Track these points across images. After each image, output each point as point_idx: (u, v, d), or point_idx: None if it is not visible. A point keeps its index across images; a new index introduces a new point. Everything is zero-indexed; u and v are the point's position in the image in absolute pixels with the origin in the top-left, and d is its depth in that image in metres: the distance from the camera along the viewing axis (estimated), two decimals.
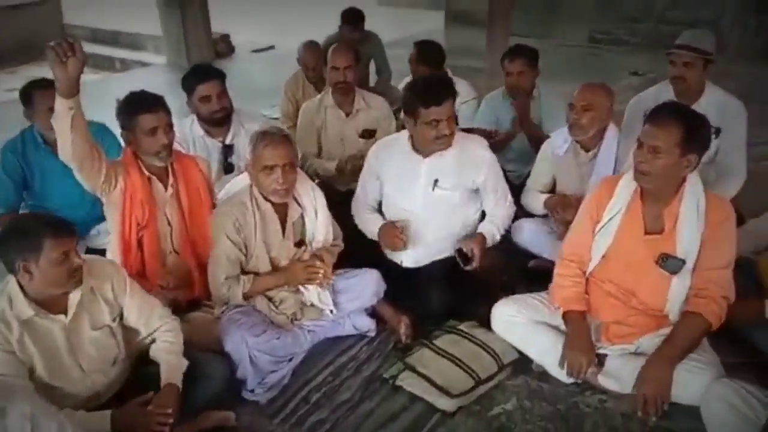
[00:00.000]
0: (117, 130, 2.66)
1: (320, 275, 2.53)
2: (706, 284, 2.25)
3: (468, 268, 2.69)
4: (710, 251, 2.24)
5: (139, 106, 2.46)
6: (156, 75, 7.41)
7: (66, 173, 3.01)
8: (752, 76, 6.22)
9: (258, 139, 2.43)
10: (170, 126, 2.50)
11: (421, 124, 2.60)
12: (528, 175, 3.28)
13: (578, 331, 2.36)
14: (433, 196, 2.74)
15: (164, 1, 7.32)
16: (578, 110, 2.83)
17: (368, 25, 5.11)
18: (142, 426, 2.00)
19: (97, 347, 2.12)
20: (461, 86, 3.85)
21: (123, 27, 9.33)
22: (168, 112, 2.51)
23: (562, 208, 2.91)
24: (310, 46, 4.26)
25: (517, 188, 3.24)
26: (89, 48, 9.07)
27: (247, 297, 2.53)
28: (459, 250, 2.71)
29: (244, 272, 2.56)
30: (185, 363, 2.21)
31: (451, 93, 2.59)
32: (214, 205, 2.69)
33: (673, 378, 2.18)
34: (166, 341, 2.23)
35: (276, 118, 5.32)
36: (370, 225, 2.87)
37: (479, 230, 2.80)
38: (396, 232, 2.74)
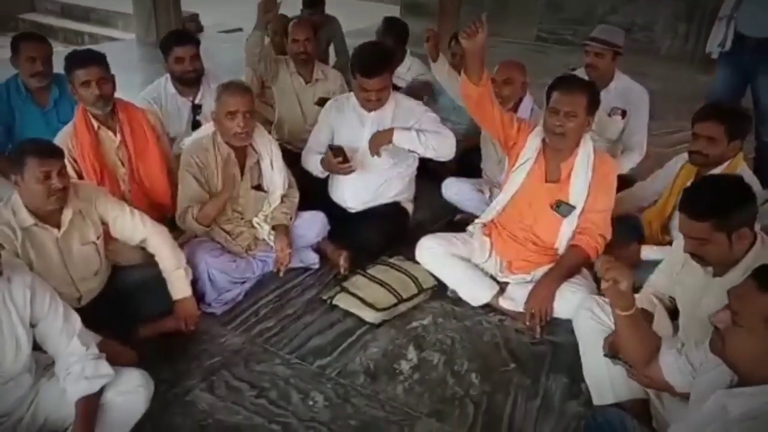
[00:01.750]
0: None
1: (284, 264, 2.96)
2: (588, 224, 2.76)
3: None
4: (594, 198, 2.75)
5: (74, 61, 2.83)
6: (125, 50, 7.64)
7: (44, 120, 3.40)
8: (678, 77, 6.85)
9: (222, 89, 2.83)
10: (104, 79, 2.83)
11: (356, 87, 3.08)
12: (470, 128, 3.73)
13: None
14: None
15: None
16: (499, 84, 3.31)
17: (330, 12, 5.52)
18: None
19: (84, 259, 2.50)
20: (415, 64, 4.51)
21: (93, 3, 9.54)
22: (102, 67, 2.84)
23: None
24: (280, 16, 4.67)
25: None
26: (60, 23, 9.41)
27: (205, 225, 2.85)
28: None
29: (224, 230, 2.94)
30: (188, 271, 2.65)
31: (382, 70, 2.97)
32: (162, 151, 3.05)
33: (555, 296, 2.69)
34: (164, 259, 2.62)
35: None
36: (317, 163, 3.24)
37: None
38: (338, 157, 3.07)
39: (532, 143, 2.83)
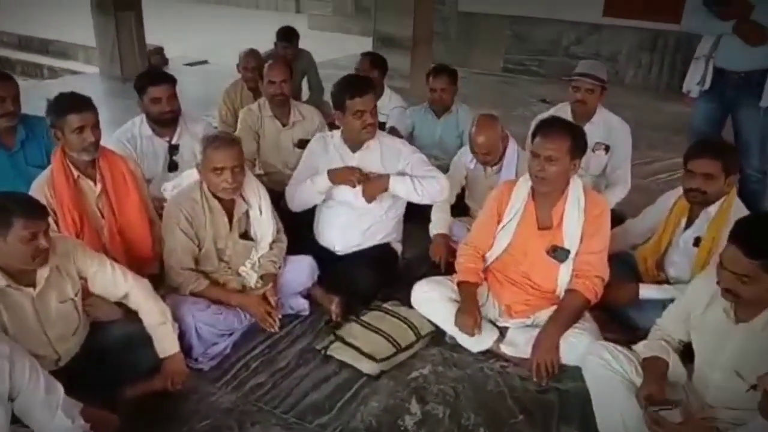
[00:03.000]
0: None
1: (271, 322, 2.85)
2: (584, 266, 2.71)
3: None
4: (588, 239, 2.69)
5: (66, 106, 2.68)
6: (88, 84, 7.45)
7: (10, 163, 3.20)
8: (645, 106, 6.98)
9: (208, 143, 2.70)
10: (96, 124, 2.71)
11: (348, 116, 2.96)
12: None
13: (467, 297, 2.76)
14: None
15: (99, 12, 7.42)
16: (482, 152, 3.30)
17: (303, 46, 5.46)
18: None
19: (62, 318, 2.33)
20: (393, 96, 4.53)
21: (53, 35, 9.30)
22: (94, 112, 2.72)
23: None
24: (251, 51, 4.63)
25: None
26: (17, 55, 9.15)
27: (193, 294, 2.76)
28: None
29: (205, 275, 2.82)
30: (175, 326, 2.50)
31: (372, 88, 2.95)
32: (143, 201, 2.91)
33: (559, 344, 2.61)
34: (148, 314, 2.47)
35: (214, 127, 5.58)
36: (308, 187, 3.11)
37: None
38: (352, 170, 3.01)
39: (519, 195, 2.79)
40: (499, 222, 2.84)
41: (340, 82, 3.04)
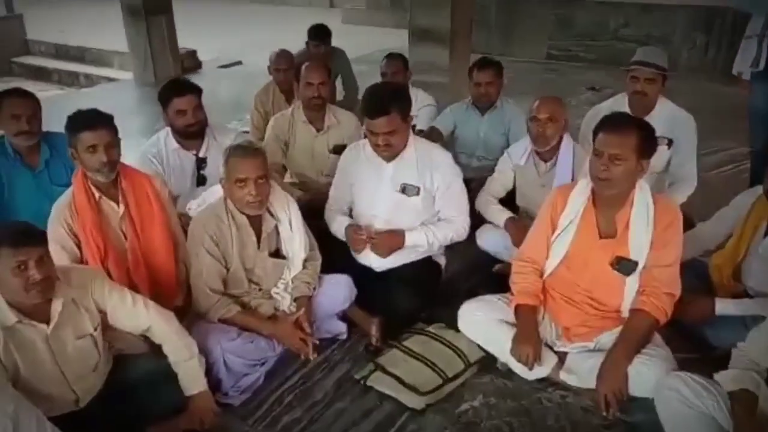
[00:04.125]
0: None
1: (306, 350, 2.61)
2: (651, 282, 2.40)
3: None
4: (657, 251, 2.38)
5: (80, 123, 2.50)
6: (123, 91, 7.41)
7: (35, 183, 3.07)
8: (702, 91, 6.52)
9: (230, 153, 2.50)
10: (112, 144, 2.51)
11: (366, 131, 2.76)
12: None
13: (526, 323, 2.50)
14: (399, 200, 2.84)
15: (130, 17, 7.33)
16: (542, 122, 2.98)
17: (336, 42, 5.22)
18: None
19: (80, 355, 2.16)
20: (419, 94, 4.21)
21: (88, 43, 9.30)
22: (111, 131, 2.53)
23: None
24: (282, 52, 4.41)
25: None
26: (54, 64, 9.18)
27: (222, 321, 2.57)
28: None
29: (235, 300, 2.63)
30: (202, 361, 2.32)
31: (388, 108, 2.64)
32: (169, 223, 2.72)
33: (628, 373, 2.31)
34: (172, 349, 2.29)
35: (244, 131, 5.41)
36: (340, 228, 2.95)
37: (406, 230, 2.85)
38: (357, 231, 2.86)
39: (577, 199, 2.50)
40: (553, 231, 2.56)
41: (366, 92, 2.83)
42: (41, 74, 9.31)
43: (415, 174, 2.82)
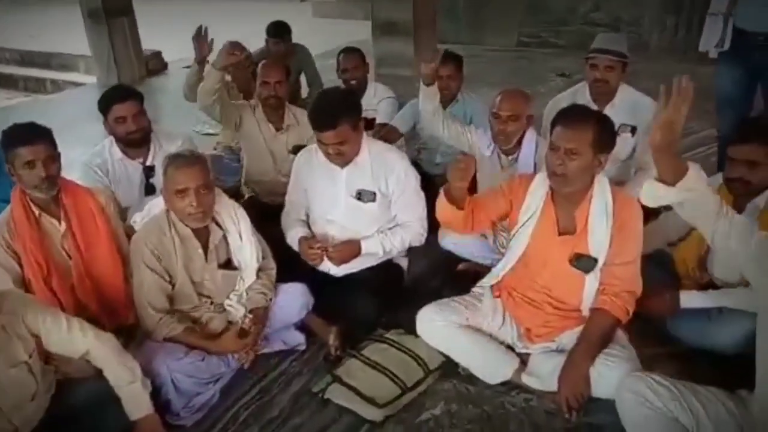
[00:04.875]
0: None
1: (249, 356, 2.54)
2: (611, 279, 2.32)
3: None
4: (617, 248, 2.30)
5: (16, 138, 2.40)
6: (87, 95, 7.21)
7: None
8: (673, 72, 6.36)
9: (169, 162, 2.39)
10: (51, 159, 2.41)
11: (316, 140, 2.66)
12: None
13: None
14: (355, 206, 2.75)
15: (91, 20, 7.14)
16: (503, 119, 2.88)
17: (304, 37, 5.09)
18: None
19: (14, 385, 2.04)
20: (378, 87, 4.15)
21: (56, 48, 9.10)
22: (49, 145, 2.43)
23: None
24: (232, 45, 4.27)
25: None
26: (20, 71, 8.97)
27: (168, 339, 2.46)
28: None
29: (183, 316, 2.54)
30: (146, 383, 2.20)
31: (334, 123, 2.53)
32: (114, 240, 2.62)
33: (590, 375, 2.24)
34: (113, 373, 2.18)
35: (207, 134, 5.30)
36: (294, 240, 2.85)
37: (362, 240, 2.76)
38: (311, 244, 2.76)
39: (536, 194, 2.41)
40: (512, 225, 2.47)
41: (312, 102, 2.77)
42: (7, 82, 9.10)
43: (369, 179, 2.72)
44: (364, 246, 2.73)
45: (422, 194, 2.81)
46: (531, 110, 2.96)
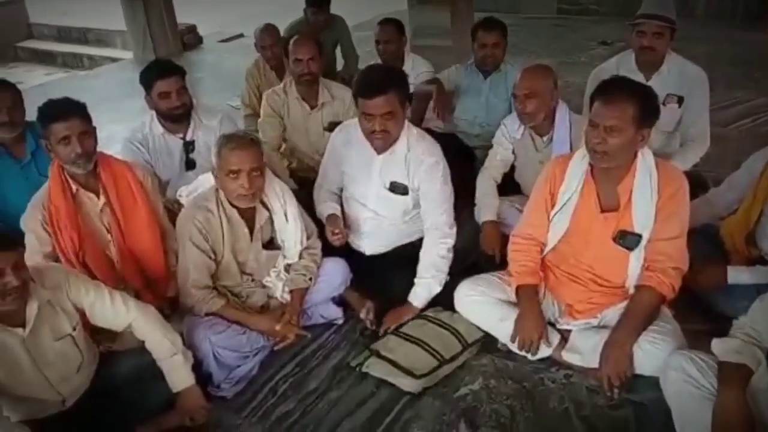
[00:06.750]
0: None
1: (289, 339, 2.54)
2: (656, 256, 2.25)
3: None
4: (662, 223, 2.23)
5: (50, 114, 2.41)
6: (123, 71, 7.32)
7: (23, 175, 3.00)
8: (721, 38, 6.22)
9: (223, 143, 2.38)
10: (86, 134, 2.42)
11: (360, 115, 2.57)
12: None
13: (528, 306, 2.38)
14: (386, 197, 2.71)
15: None
16: (521, 99, 2.80)
17: (338, 8, 5.02)
18: None
19: (61, 357, 2.10)
20: (416, 60, 4.03)
21: (90, 23, 9.19)
22: (84, 120, 2.44)
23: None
24: (266, 27, 4.26)
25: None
26: (58, 47, 9.11)
27: (210, 313, 2.48)
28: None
29: (225, 291, 2.56)
30: (188, 355, 2.25)
31: (384, 89, 2.45)
32: (154, 213, 2.64)
33: (633, 352, 2.19)
34: (155, 345, 2.21)
35: (235, 107, 5.31)
36: (323, 214, 2.83)
37: (409, 298, 2.66)
38: (333, 229, 2.72)
39: (575, 172, 2.34)
40: (553, 205, 2.41)
41: (360, 73, 2.67)
42: (46, 58, 9.26)
43: (403, 171, 2.65)
44: (417, 303, 2.65)
45: (450, 189, 2.71)
46: (552, 85, 2.84)
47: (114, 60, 8.19)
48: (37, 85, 7.39)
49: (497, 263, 2.76)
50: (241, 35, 8.16)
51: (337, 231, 2.71)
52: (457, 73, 3.77)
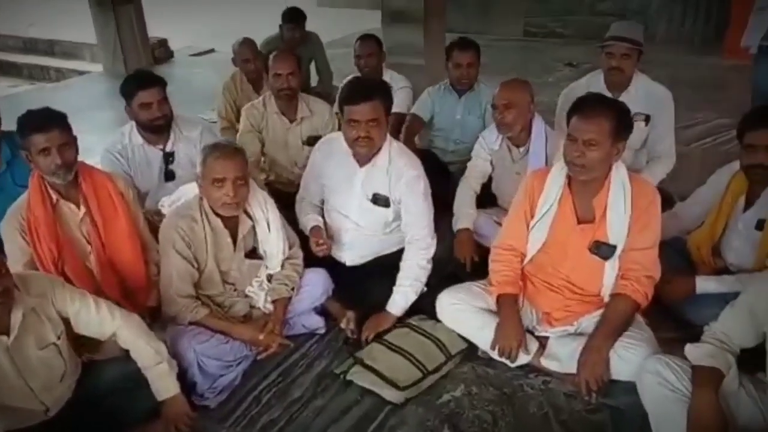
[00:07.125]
0: None
1: (267, 352, 2.58)
2: (631, 265, 2.35)
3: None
4: (636, 234, 2.33)
5: (30, 125, 2.40)
6: (92, 83, 7.24)
7: (5, 195, 2.94)
8: (680, 62, 6.47)
9: (209, 152, 2.41)
10: (66, 145, 2.42)
11: (345, 122, 2.61)
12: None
13: (508, 315, 2.44)
14: (369, 208, 2.75)
15: (97, 7, 7.11)
16: (500, 109, 2.90)
17: (309, 26, 5.10)
18: None
19: (44, 366, 2.08)
20: (393, 75, 4.14)
21: (58, 36, 9.05)
22: (64, 131, 2.43)
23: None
24: (245, 41, 4.30)
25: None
26: (23, 59, 8.94)
27: (193, 323, 2.49)
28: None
29: (207, 300, 2.56)
30: (173, 364, 2.25)
31: (371, 97, 2.51)
32: (134, 224, 2.64)
33: (609, 358, 2.27)
34: (140, 354, 2.21)
35: (215, 122, 5.30)
36: (306, 226, 2.87)
37: (387, 307, 2.69)
38: (318, 240, 2.75)
39: (553, 184, 2.43)
40: (532, 217, 2.50)
41: (347, 83, 2.74)
42: (11, 70, 9.06)
43: (385, 183, 2.69)
44: (395, 311, 2.70)
45: (430, 201, 2.74)
46: (529, 98, 2.94)
47: (81, 73, 8.08)
48: (4, 96, 7.26)
49: (469, 271, 2.85)
50: (212, 50, 8.16)
51: (321, 242, 2.74)
52: (433, 95, 3.85)
